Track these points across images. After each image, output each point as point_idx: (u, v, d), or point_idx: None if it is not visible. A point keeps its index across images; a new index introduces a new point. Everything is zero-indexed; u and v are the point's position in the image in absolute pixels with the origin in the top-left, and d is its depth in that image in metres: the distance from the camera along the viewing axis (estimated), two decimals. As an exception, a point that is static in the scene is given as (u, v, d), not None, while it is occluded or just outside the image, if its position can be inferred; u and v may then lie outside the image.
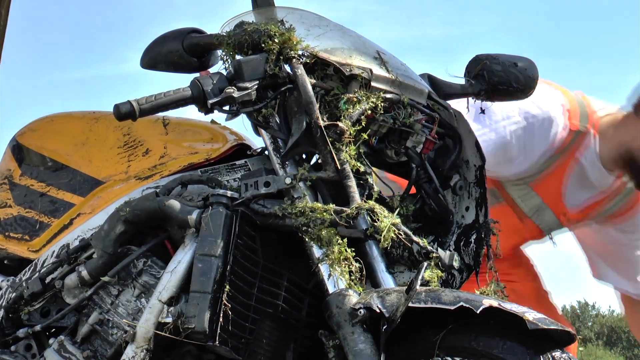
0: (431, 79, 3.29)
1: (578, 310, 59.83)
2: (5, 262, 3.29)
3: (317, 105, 2.74)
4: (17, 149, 3.33)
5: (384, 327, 2.46)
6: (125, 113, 2.71)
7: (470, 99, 3.34)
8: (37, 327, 2.94)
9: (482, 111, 3.35)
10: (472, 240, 3.11)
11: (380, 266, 2.82)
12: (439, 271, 2.73)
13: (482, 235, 3.05)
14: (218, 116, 3.08)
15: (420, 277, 2.43)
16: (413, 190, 3.06)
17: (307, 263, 3.01)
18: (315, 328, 3.06)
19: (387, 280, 2.80)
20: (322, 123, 2.72)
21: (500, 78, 3.26)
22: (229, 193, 2.75)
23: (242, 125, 3.24)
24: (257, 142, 3.17)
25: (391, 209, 2.86)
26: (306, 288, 3.02)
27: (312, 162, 2.90)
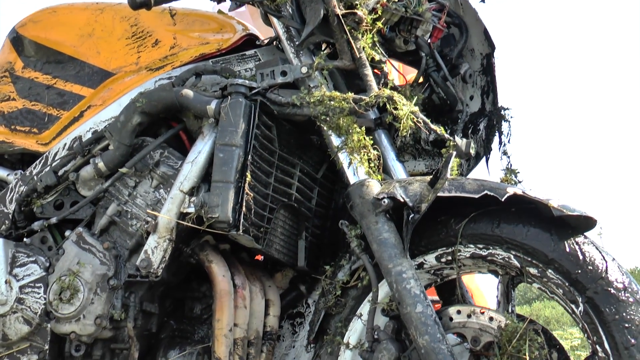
0: None
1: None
2: (5, 156, 3.25)
3: None
4: (18, 41, 3.24)
5: (410, 217, 2.48)
6: (140, 2, 2.67)
7: None
8: (53, 220, 2.93)
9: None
10: (481, 128, 3.14)
11: (390, 155, 2.84)
12: (457, 159, 2.74)
13: (494, 122, 3.08)
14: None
15: (449, 166, 2.44)
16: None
17: (317, 153, 3.03)
18: (323, 217, 3.10)
19: (397, 168, 2.83)
20: (339, 11, 2.69)
21: None
22: (246, 82, 2.73)
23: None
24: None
25: (405, 97, 2.86)
26: (316, 177, 3.04)
27: (323, 51, 2.88)
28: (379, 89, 2.73)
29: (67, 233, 2.90)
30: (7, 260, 2.88)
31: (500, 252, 2.49)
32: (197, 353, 2.84)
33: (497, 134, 3.11)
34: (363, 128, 2.71)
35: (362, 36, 2.75)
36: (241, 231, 2.63)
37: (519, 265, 2.47)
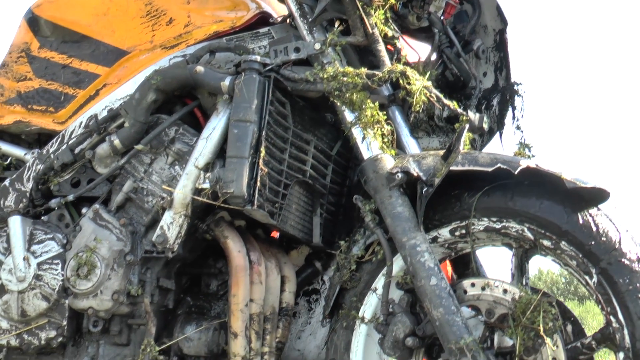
0: None
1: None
2: (22, 136, 3.28)
3: None
4: (34, 21, 3.26)
5: (424, 191, 2.49)
6: None
7: None
8: (70, 197, 2.95)
9: None
10: (495, 103, 3.14)
11: (404, 131, 2.85)
12: (470, 134, 2.75)
13: (507, 98, 3.08)
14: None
15: (462, 140, 2.45)
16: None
17: (331, 130, 3.04)
18: (338, 194, 3.12)
19: (411, 144, 2.84)
20: (352, -13, 2.70)
21: None
22: (259, 59, 2.74)
23: None
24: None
25: (419, 73, 2.87)
26: (330, 154, 3.06)
27: (336, 27, 2.89)
28: (392, 64, 2.74)
29: (83, 210, 2.92)
30: (25, 238, 2.90)
31: (514, 224, 2.50)
32: (214, 328, 2.86)
33: (510, 109, 3.12)
34: (376, 103, 2.72)
35: (375, 12, 2.76)
36: (256, 206, 2.64)
37: (532, 237, 2.48)
